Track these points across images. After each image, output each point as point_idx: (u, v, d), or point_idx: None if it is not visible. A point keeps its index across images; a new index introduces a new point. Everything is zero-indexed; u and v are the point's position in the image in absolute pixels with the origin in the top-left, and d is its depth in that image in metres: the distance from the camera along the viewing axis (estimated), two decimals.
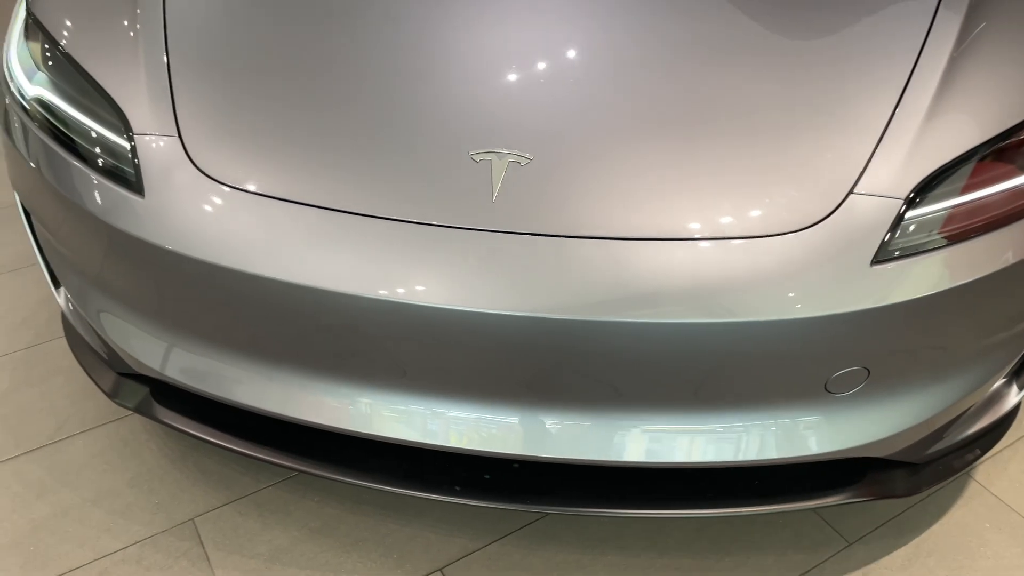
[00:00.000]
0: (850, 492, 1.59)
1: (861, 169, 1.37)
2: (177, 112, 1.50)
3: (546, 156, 1.39)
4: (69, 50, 1.60)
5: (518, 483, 1.58)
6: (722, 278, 1.30)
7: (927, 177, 1.37)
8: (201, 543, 1.77)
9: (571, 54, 1.58)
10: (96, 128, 1.51)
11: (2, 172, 2.52)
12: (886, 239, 1.33)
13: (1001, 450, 2.00)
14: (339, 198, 1.38)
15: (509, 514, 1.84)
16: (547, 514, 1.82)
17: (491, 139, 1.41)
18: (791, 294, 1.30)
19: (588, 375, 1.35)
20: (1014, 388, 1.73)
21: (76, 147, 1.53)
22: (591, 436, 1.42)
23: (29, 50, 1.67)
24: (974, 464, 1.73)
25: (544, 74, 1.52)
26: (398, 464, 1.60)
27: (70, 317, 1.83)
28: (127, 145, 1.48)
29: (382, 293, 1.31)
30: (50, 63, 1.62)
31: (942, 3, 1.57)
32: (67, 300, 1.81)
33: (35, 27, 1.68)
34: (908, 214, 1.35)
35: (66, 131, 1.54)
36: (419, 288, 1.31)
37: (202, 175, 1.43)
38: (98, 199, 1.47)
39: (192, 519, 1.82)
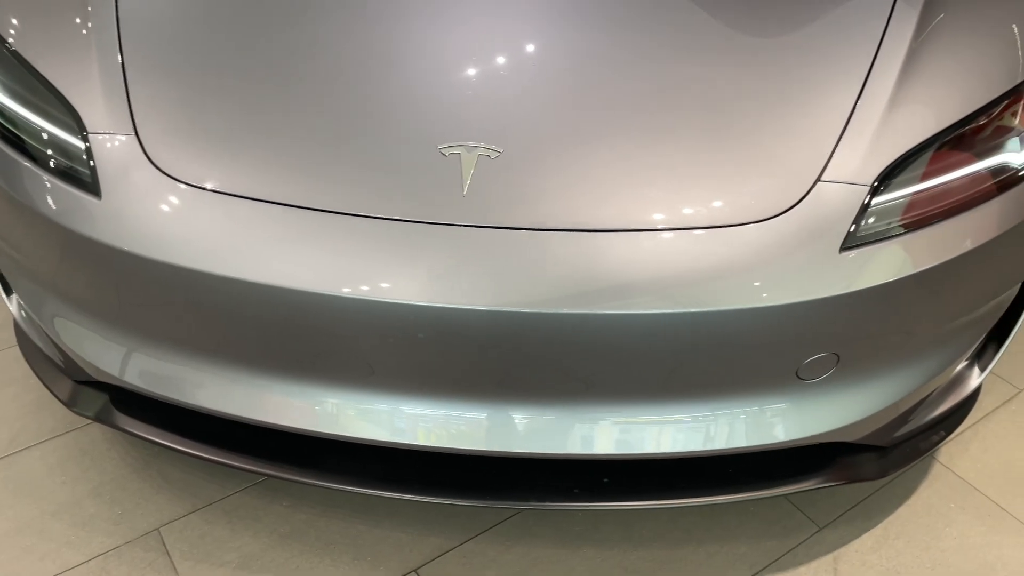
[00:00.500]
0: (821, 477, 1.60)
1: (827, 157, 1.38)
2: (133, 109, 1.46)
3: (516, 149, 1.38)
4: (18, 48, 1.54)
5: (489, 480, 1.57)
6: (693, 268, 1.30)
7: (891, 164, 1.38)
8: (167, 553, 1.73)
9: (538, 47, 1.57)
10: (48, 128, 1.46)
11: None
12: (853, 226, 1.34)
13: (963, 431, 2.04)
14: (304, 195, 1.35)
15: (483, 511, 1.82)
16: (520, 510, 1.81)
17: (460, 132, 1.39)
18: (761, 283, 1.30)
19: (559, 369, 1.34)
20: (975, 371, 1.76)
21: (27, 148, 1.47)
22: (562, 430, 1.42)
23: None
24: (939, 445, 1.76)
25: (512, 67, 1.51)
26: (368, 465, 1.58)
27: (23, 324, 1.77)
28: (81, 145, 1.43)
29: (350, 291, 1.29)
30: None
31: None
32: (19, 307, 1.75)
33: None
34: (873, 201, 1.36)
35: (16, 131, 1.49)
36: (389, 285, 1.29)
37: (161, 174, 1.39)
38: (52, 202, 1.42)
39: (157, 529, 1.77)
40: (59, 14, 1.59)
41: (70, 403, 1.67)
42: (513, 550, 1.76)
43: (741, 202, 1.35)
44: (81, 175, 1.42)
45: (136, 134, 1.43)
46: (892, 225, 1.37)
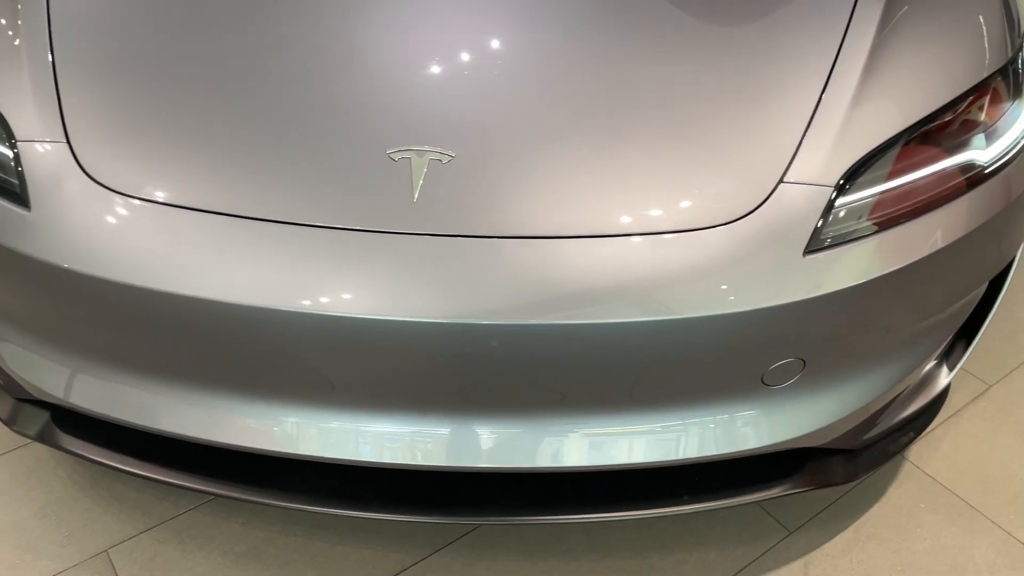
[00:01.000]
0: (790, 483, 1.56)
1: (790, 158, 1.33)
2: (65, 116, 1.38)
3: (468, 153, 1.32)
4: None
5: (451, 495, 1.51)
6: (653, 274, 1.25)
7: (856, 163, 1.34)
8: (116, 575, 1.66)
9: (493, 48, 1.51)
10: None
11: None
12: (818, 227, 1.30)
13: (933, 429, 2.02)
14: (247, 204, 1.29)
15: (448, 525, 1.77)
16: (481, 525, 1.76)
17: (410, 136, 1.33)
18: (724, 288, 1.26)
19: (520, 381, 1.29)
20: (944, 370, 1.73)
21: None
22: (525, 443, 1.37)
23: None
24: (908, 446, 1.73)
25: (467, 69, 1.45)
26: (324, 482, 1.52)
27: None
28: (9, 153, 1.35)
29: (293, 305, 1.23)
30: None
31: None
32: None
33: None
34: (838, 201, 1.32)
35: None
36: (338, 297, 1.23)
37: (94, 184, 1.32)
38: None
39: (106, 550, 1.70)
40: None
41: (9, 422, 1.60)
42: (477, 564, 1.71)
43: (702, 206, 1.30)
44: (9, 185, 1.34)
45: (67, 141, 1.35)
46: (859, 226, 1.33)
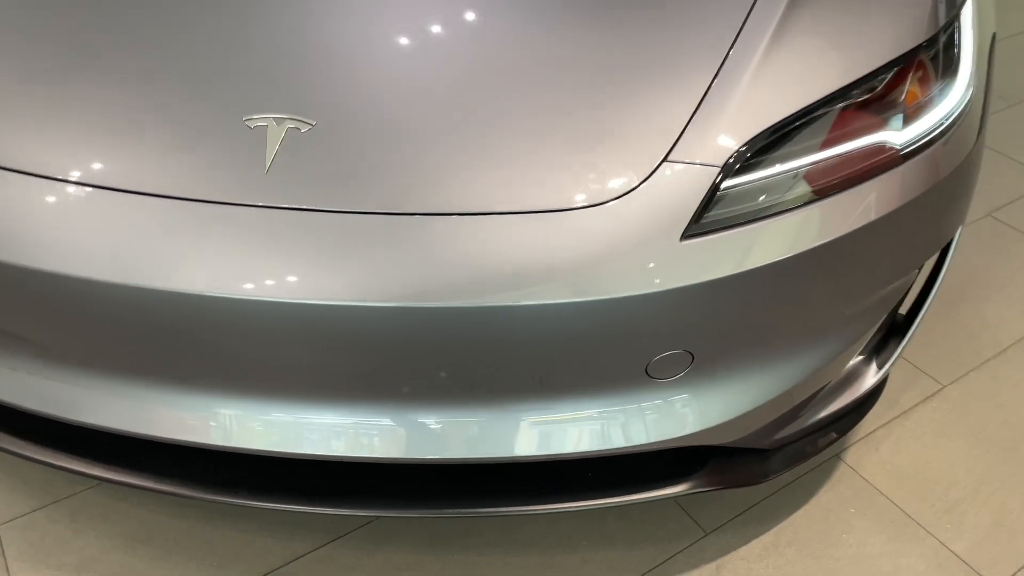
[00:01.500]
0: (691, 482, 1.48)
1: (677, 136, 1.24)
2: None
3: (330, 122, 1.24)
4: None
5: (341, 486, 1.45)
6: (517, 255, 1.17)
7: (749, 142, 1.25)
8: (3, 553, 1.62)
9: (366, 19, 1.41)
10: None
11: None
12: (700, 210, 1.21)
13: (874, 430, 1.91)
14: (91, 170, 1.22)
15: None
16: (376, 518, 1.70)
17: (269, 102, 1.26)
18: (595, 271, 1.17)
19: (361, 367, 1.22)
20: (872, 367, 1.63)
21: None
22: (388, 433, 1.30)
23: None
24: (828, 448, 1.64)
25: (336, 33, 1.36)
26: (206, 468, 1.46)
27: None
28: None
29: (136, 279, 1.17)
30: None
31: None
32: None
33: None
34: (726, 183, 1.23)
35: None
36: (179, 273, 1.16)
37: None
38: None
39: None
40: None
41: None
42: (375, 555, 1.65)
43: (578, 184, 1.21)
44: None
45: None
46: (749, 209, 1.24)
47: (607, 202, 1.19)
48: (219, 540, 1.66)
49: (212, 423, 1.33)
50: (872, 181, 1.31)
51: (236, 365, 1.25)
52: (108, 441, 1.44)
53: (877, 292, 1.44)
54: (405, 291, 1.14)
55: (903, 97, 1.36)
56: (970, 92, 1.43)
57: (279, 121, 1.23)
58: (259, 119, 1.24)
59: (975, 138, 1.47)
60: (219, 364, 1.25)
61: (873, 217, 1.30)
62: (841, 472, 1.83)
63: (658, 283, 1.18)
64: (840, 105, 1.31)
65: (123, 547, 1.64)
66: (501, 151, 1.24)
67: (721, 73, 1.29)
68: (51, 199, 1.21)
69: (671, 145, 1.24)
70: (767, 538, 1.70)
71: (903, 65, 1.36)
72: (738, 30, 1.33)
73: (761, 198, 1.25)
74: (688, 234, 1.20)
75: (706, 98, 1.27)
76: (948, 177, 1.40)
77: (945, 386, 2.04)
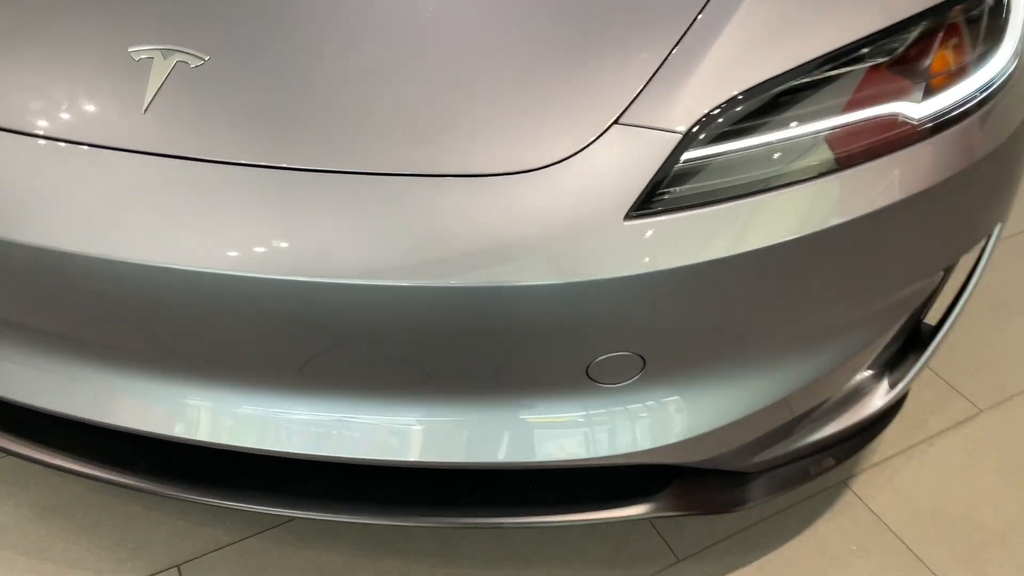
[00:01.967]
0: (650, 504, 1.27)
1: (634, 94, 1.03)
2: None
3: (226, 59, 1.07)
4: None
5: (264, 480, 1.30)
6: (419, 227, 0.98)
7: (725, 104, 1.02)
8: None
9: None
10: None
11: None
12: (653, 185, 0.99)
13: (892, 455, 1.66)
14: None
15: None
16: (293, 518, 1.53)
17: (160, 31, 1.08)
18: (519, 251, 0.97)
19: (246, 343, 1.05)
20: (883, 385, 1.39)
21: None
22: (293, 427, 1.13)
23: None
24: (821, 475, 1.40)
25: None
26: (138, 454, 1.31)
27: None
28: None
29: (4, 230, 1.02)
30: None
31: None
32: None
33: None
34: (690, 153, 1.01)
35: None
36: (40, 222, 1.01)
37: None
38: None
39: None
40: None
41: None
42: (301, 552, 1.49)
43: (506, 146, 1.01)
44: None
45: None
46: (721, 186, 1.02)
47: (537, 169, 0.99)
48: (137, 521, 1.52)
49: (118, 403, 1.18)
50: (883, 160, 1.07)
51: (120, 336, 1.10)
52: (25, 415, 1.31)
53: (887, 296, 1.20)
54: (298, 260, 0.96)
55: (928, 62, 1.11)
56: (1016, 62, 1.17)
57: (167, 53, 1.06)
58: (145, 50, 1.07)
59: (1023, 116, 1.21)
60: (93, 331, 1.10)
61: (880, 204, 1.07)
62: (846, 501, 1.59)
63: (591, 270, 0.97)
64: (846, 67, 1.08)
65: (38, 520, 1.51)
66: (420, 104, 1.04)
67: (698, 22, 1.07)
68: None
69: (626, 105, 1.02)
70: (749, 570, 1.48)
71: (931, 23, 1.11)
72: None
73: (738, 173, 1.03)
74: (635, 213, 0.98)
75: (675, 51, 1.05)
76: (984, 160, 1.15)
77: (983, 411, 1.77)
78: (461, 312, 0.99)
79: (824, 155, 1.05)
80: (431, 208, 0.98)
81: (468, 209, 0.98)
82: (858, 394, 1.37)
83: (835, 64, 1.07)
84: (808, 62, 1.04)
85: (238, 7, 1.12)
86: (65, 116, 1.04)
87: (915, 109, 1.09)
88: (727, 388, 1.17)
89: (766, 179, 1.02)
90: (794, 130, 1.05)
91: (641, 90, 1.02)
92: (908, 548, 1.52)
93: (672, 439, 1.17)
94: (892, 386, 1.39)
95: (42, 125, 1.03)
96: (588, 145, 1.00)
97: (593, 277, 0.97)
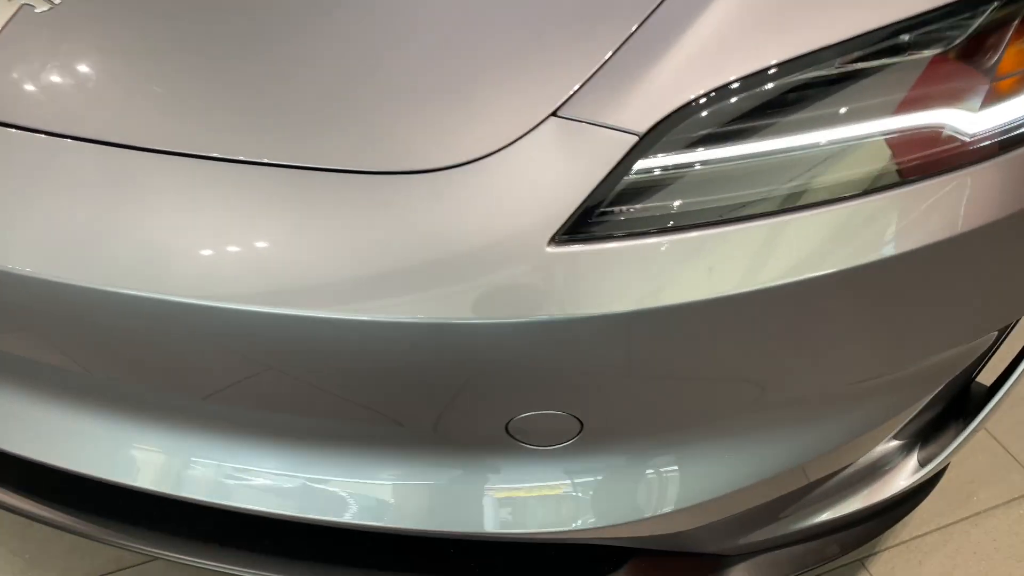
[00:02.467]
0: None
1: (581, 82, 0.78)
2: None
3: (81, 4, 0.86)
4: None
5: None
6: (273, 231, 0.75)
7: (699, 99, 0.77)
8: None
9: None
10: None
11: None
12: (596, 200, 0.75)
13: (924, 533, 1.39)
14: None
15: None
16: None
17: None
18: (403, 277, 0.74)
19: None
20: (911, 462, 1.12)
21: None
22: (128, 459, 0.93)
23: None
24: (825, 564, 1.14)
25: None
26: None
27: None
28: None
29: None
30: None
31: None
32: None
33: None
34: (649, 161, 0.76)
35: None
36: None
37: None
38: None
39: None
40: None
41: None
42: None
43: (405, 140, 0.78)
44: None
45: None
46: (685, 208, 0.77)
47: (438, 169, 0.75)
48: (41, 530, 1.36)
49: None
50: (918, 185, 0.80)
51: None
52: None
53: (913, 361, 0.93)
54: (120, 269, 0.75)
55: (996, 59, 0.83)
56: None
57: None
58: None
59: None
60: None
61: (910, 246, 0.80)
62: None
63: (494, 309, 0.73)
64: (881, 59, 0.81)
65: None
66: (306, 82, 0.81)
67: None
68: None
69: (570, 93, 0.77)
70: None
71: (1004, 7, 0.83)
72: None
73: (716, 192, 0.78)
74: (564, 236, 0.74)
75: (645, 26, 0.80)
76: None
77: None
78: (335, 347, 0.77)
79: (839, 175, 0.79)
80: (285, 205, 0.76)
81: (333, 215, 0.75)
82: (877, 470, 1.11)
83: (865, 53, 0.80)
84: (827, 47, 0.78)
85: None
86: None
87: (969, 121, 0.81)
88: (698, 461, 0.92)
89: (753, 203, 0.77)
90: (800, 138, 0.79)
91: (593, 74, 0.78)
92: None
93: (618, 519, 0.93)
94: (923, 463, 1.11)
95: None
96: (513, 143, 0.76)
97: (494, 320, 0.74)
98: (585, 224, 0.74)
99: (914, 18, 0.79)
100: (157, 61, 0.84)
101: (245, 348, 0.76)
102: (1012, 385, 1.11)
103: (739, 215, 0.76)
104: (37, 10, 0.85)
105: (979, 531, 1.40)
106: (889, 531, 1.34)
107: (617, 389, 0.82)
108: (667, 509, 0.93)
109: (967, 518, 1.41)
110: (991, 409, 1.10)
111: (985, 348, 1.04)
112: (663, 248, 0.75)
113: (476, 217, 0.74)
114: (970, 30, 0.82)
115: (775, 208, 0.77)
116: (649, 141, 0.75)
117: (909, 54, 0.81)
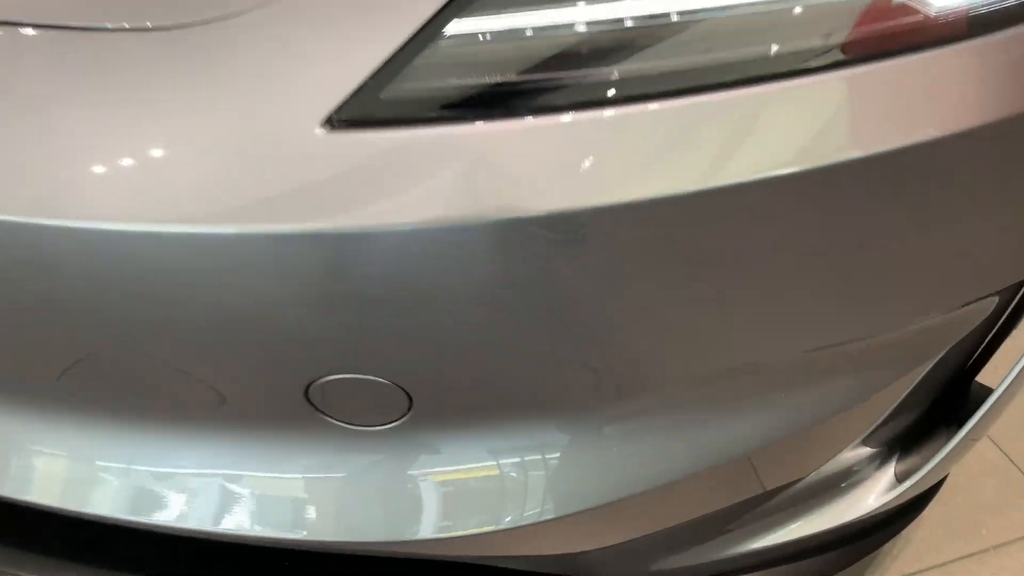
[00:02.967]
0: None
1: None
2: None
3: None
4: None
5: None
6: None
7: None
8: None
9: None
10: None
11: None
12: (388, 69, 0.53)
13: (920, 571, 1.13)
14: None
15: None
16: None
17: None
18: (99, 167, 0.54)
19: None
20: (886, 476, 0.88)
21: None
22: None
23: None
24: None
25: None
26: None
27: None
28: None
29: None
30: None
31: None
32: None
33: None
34: (462, 22, 0.54)
35: None
36: None
37: None
38: None
39: None
40: None
41: None
42: None
43: None
44: None
45: None
46: (505, 88, 0.55)
47: (171, 28, 0.55)
48: None
49: None
50: (862, 67, 0.57)
51: None
52: None
53: (880, 327, 0.70)
54: None
55: None
56: None
57: None
58: None
59: None
60: None
61: (854, 153, 0.57)
62: None
63: (269, 212, 0.52)
64: None
65: None
66: None
67: None
68: None
69: None
70: None
71: None
72: None
73: (553, 70, 0.56)
74: (343, 118, 0.53)
75: None
76: None
77: None
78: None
79: (746, 48, 0.57)
80: None
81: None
82: (842, 484, 0.87)
83: None
84: None
85: None
86: None
87: None
88: (584, 451, 0.70)
89: (616, 82, 0.55)
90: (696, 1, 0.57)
91: None
92: None
93: (483, 526, 0.70)
94: (901, 478, 0.88)
95: None
96: None
97: (261, 230, 0.53)
98: (375, 103, 0.53)
99: None
100: None
101: None
102: (1013, 381, 0.87)
103: (594, 98, 0.54)
104: None
105: (987, 572, 1.14)
106: (868, 565, 1.09)
107: (446, 347, 0.60)
108: (540, 517, 0.70)
109: (973, 554, 1.16)
110: (990, 410, 0.86)
111: (979, 327, 0.81)
112: (486, 140, 0.54)
113: (222, 86, 0.54)
114: None
115: (653, 90, 0.55)
116: None
117: None
